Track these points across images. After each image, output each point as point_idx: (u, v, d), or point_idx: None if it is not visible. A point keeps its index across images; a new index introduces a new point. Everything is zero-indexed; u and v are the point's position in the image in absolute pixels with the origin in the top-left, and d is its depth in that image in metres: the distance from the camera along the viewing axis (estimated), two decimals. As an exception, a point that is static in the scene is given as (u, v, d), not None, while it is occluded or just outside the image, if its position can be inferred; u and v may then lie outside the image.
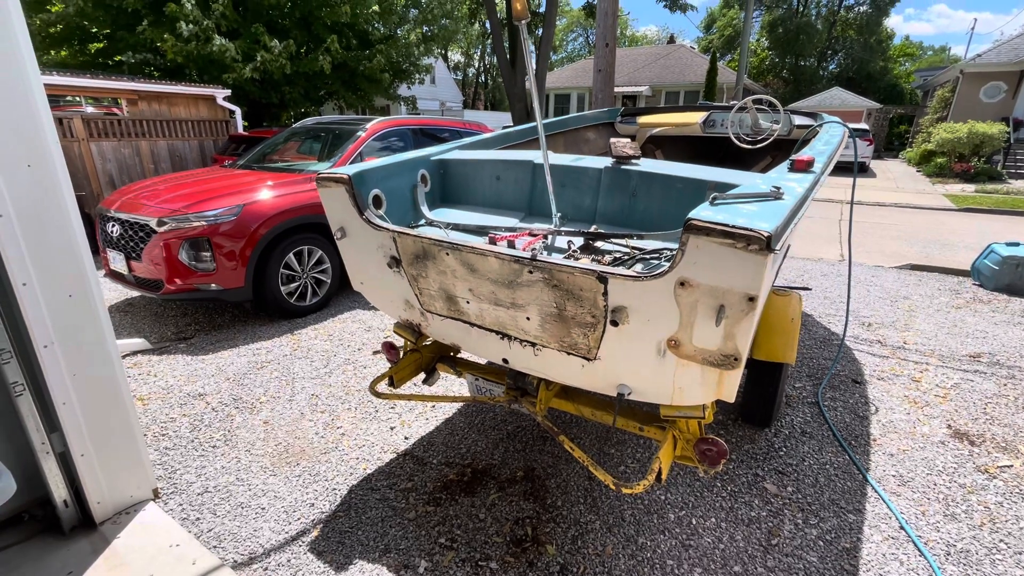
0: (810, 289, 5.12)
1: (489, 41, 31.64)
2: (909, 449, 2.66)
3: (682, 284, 1.36)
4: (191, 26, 10.16)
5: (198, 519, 2.15)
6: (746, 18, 18.23)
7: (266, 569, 1.91)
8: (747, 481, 2.39)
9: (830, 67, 37.64)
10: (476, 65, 43.64)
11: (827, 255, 6.64)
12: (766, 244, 1.21)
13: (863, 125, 19.14)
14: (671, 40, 36.79)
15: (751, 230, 1.23)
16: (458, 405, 3.04)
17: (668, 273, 1.36)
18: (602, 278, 1.47)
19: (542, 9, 19.95)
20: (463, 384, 3.24)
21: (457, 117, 23.08)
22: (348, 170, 2.05)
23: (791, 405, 3.05)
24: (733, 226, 1.24)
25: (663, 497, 2.29)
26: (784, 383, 2.70)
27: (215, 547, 2.00)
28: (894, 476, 2.45)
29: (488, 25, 17.73)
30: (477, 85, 43.93)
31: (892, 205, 10.92)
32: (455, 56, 40.89)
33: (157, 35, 10.48)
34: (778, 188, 1.56)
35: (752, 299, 1.28)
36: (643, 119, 4.90)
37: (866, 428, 2.84)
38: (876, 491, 2.33)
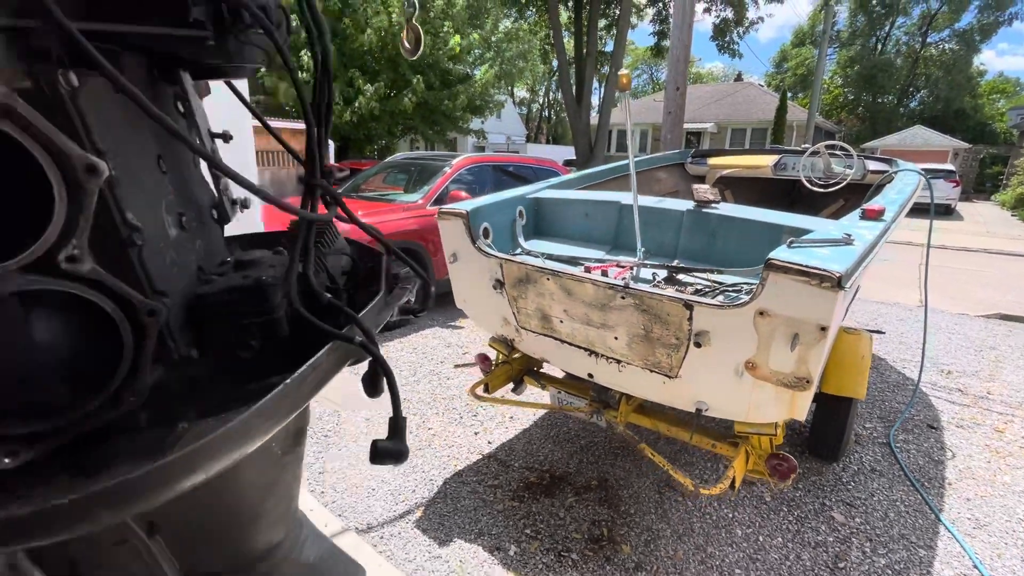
0: (884, 333, 5.03)
1: (555, 77, 32.89)
2: (987, 496, 2.65)
3: (761, 314, 1.61)
4: (305, 75, 11.55)
5: (323, 493, 2.55)
6: (819, 55, 18.02)
7: (382, 538, 2.25)
8: (814, 509, 2.50)
9: (911, 104, 35.85)
10: (540, 100, 45.18)
11: (904, 300, 6.43)
12: (837, 283, 1.45)
13: (948, 166, 18.10)
14: (738, 77, 36.60)
15: (824, 270, 1.47)
16: (535, 418, 3.33)
17: (749, 304, 1.62)
18: (689, 305, 1.74)
19: (608, 48, 20.66)
20: (542, 397, 3.52)
21: (521, 151, 23.95)
22: (466, 206, 2.45)
23: (861, 444, 3.10)
24: (809, 266, 1.50)
25: (731, 515, 2.45)
26: (853, 418, 2.79)
27: (339, 516, 2.37)
28: (969, 519, 2.47)
29: (555, 63, 18.61)
30: (540, 119, 45.36)
31: (980, 250, 10.29)
32: (520, 92, 42.60)
33: (272, 81, 11.95)
34: (849, 235, 1.79)
35: (824, 329, 1.52)
36: (713, 160, 5.11)
37: (941, 471, 2.85)
38: (948, 529, 2.37)
